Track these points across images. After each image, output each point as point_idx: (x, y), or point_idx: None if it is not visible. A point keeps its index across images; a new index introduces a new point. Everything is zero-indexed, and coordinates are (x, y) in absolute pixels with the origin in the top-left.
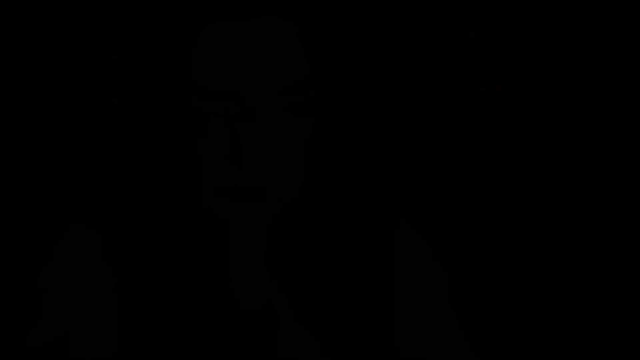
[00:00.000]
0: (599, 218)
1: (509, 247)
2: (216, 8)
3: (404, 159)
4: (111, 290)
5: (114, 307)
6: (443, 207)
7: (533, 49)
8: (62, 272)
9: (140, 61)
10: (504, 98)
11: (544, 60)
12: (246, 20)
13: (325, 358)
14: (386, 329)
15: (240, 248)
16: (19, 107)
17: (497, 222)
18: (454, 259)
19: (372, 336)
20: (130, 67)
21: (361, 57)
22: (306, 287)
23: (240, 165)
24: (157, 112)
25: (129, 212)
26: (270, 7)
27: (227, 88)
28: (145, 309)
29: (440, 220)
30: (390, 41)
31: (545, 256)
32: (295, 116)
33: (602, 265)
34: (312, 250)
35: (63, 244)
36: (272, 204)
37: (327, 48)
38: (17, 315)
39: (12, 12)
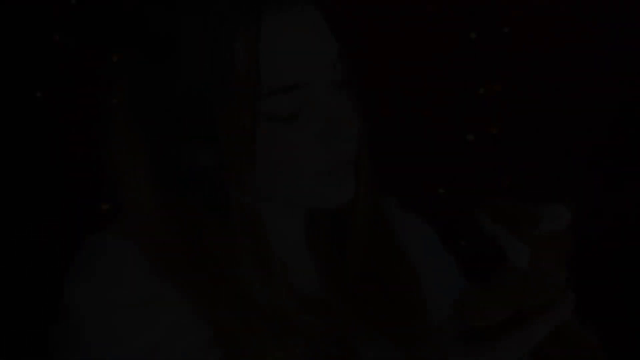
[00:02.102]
0: (597, 217)
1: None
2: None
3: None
4: (167, 294)
5: (183, 310)
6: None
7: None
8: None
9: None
10: (503, 98)
11: (544, 61)
12: (284, 13)
13: (375, 340)
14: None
15: (281, 234)
16: None
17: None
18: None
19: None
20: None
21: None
22: (347, 272)
23: (332, 147)
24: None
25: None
26: None
27: (295, 80)
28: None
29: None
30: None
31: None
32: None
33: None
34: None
35: (104, 258)
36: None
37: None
38: None
39: None
